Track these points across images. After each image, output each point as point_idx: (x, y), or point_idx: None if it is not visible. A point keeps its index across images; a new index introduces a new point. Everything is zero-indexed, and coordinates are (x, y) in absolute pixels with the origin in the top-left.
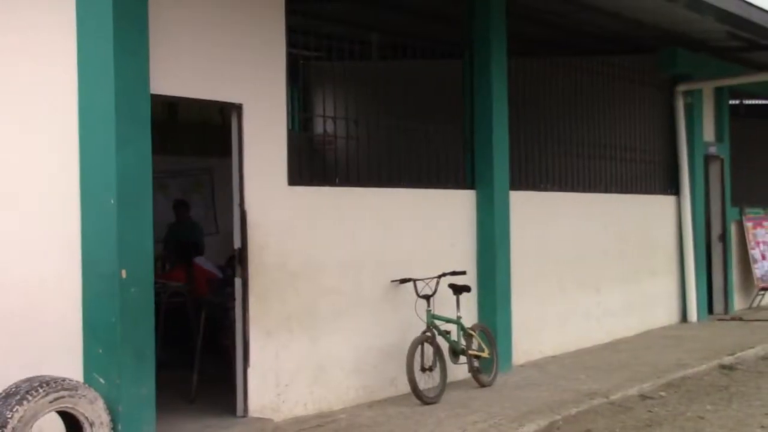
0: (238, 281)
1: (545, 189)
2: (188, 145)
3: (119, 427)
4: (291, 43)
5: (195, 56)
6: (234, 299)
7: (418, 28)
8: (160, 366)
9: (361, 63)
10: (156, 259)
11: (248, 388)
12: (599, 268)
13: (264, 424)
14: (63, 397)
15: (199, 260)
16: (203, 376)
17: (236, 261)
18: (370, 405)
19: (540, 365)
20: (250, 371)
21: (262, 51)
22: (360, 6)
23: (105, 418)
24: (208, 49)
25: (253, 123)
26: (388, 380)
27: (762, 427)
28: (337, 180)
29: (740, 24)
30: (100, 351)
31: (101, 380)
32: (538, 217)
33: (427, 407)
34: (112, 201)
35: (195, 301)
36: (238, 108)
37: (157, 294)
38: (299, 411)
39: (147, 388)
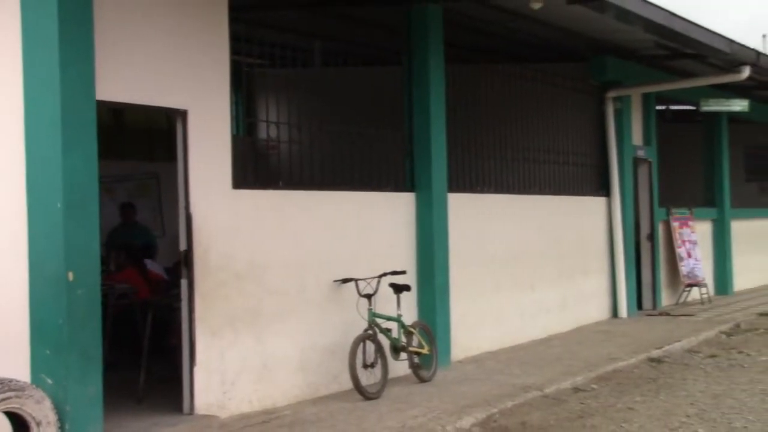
0: (184, 282)
1: (482, 191)
2: (135, 150)
3: (66, 427)
4: (235, 51)
5: (140, 63)
6: (180, 300)
7: (359, 36)
8: (108, 367)
9: (304, 70)
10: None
11: (194, 386)
12: (534, 266)
13: (210, 421)
14: (10, 398)
15: (147, 262)
16: (151, 376)
17: (182, 262)
18: (314, 401)
19: (478, 360)
20: (196, 370)
21: (206, 58)
22: (303, 15)
23: (52, 417)
24: (152, 56)
25: (197, 128)
26: (331, 377)
27: (687, 416)
28: (281, 183)
29: (665, 34)
30: (48, 352)
31: (48, 381)
32: (476, 219)
33: (369, 402)
34: (59, 204)
35: (142, 302)
36: (182, 114)
37: (104, 296)
38: (245, 408)
39: (94, 388)
